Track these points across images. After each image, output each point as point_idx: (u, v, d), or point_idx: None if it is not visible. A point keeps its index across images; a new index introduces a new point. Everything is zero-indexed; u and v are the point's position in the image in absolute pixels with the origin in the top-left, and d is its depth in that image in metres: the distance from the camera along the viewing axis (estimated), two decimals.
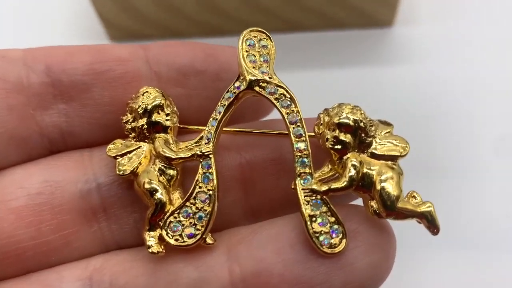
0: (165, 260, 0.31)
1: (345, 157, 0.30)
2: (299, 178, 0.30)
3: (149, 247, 0.30)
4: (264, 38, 0.33)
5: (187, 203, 0.31)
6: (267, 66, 0.32)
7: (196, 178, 0.31)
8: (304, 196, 0.30)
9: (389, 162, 0.30)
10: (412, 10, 0.63)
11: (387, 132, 0.31)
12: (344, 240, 0.29)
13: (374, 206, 0.30)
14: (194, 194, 0.31)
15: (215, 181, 0.31)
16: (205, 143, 0.31)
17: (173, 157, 0.31)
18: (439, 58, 0.60)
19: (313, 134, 0.32)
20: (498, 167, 0.53)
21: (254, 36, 0.33)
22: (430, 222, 0.29)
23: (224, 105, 0.31)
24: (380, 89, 0.58)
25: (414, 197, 0.30)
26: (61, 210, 0.33)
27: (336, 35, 0.62)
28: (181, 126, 0.34)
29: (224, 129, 0.33)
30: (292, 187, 0.30)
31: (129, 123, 0.32)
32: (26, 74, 0.33)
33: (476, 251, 0.49)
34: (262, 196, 0.34)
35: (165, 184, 0.31)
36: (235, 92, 0.31)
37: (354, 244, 0.30)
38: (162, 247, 0.30)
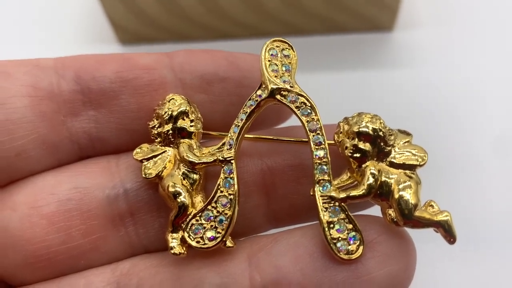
0: (188, 266, 0.32)
1: (364, 165, 0.31)
2: (318, 185, 0.31)
3: (171, 248, 0.31)
4: (287, 48, 0.34)
5: (209, 207, 0.31)
6: (289, 75, 0.33)
7: (218, 183, 0.32)
8: (323, 203, 0.30)
9: (408, 171, 0.31)
10: (412, 14, 0.63)
11: (406, 142, 0.32)
12: (361, 247, 0.29)
13: (392, 215, 0.30)
14: (215, 198, 0.31)
15: (236, 186, 0.31)
16: (227, 149, 0.32)
17: (196, 161, 0.32)
18: (439, 62, 0.60)
19: (332, 142, 0.32)
20: (497, 167, 0.53)
21: (277, 46, 0.33)
22: (447, 231, 0.30)
23: (246, 112, 0.32)
24: (381, 92, 0.58)
25: (432, 206, 0.31)
26: (89, 215, 0.33)
27: (337, 39, 0.62)
28: (205, 132, 0.35)
29: (246, 135, 0.33)
30: (311, 193, 0.31)
31: (155, 129, 0.33)
32: (57, 81, 0.34)
33: (475, 250, 0.49)
34: (283, 201, 0.34)
35: (188, 187, 0.32)
36: (257, 100, 0.32)
37: (372, 254, 0.30)
38: (184, 248, 0.31)
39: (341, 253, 0.29)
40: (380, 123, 0.31)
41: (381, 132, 0.31)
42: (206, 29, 0.62)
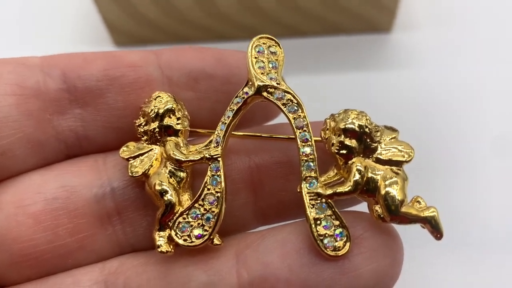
0: (175, 264, 0.32)
1: (350, 162, 0.31)
2: (304, 182, 0.31)
3: (158, 246, 0.31)
4: (273, 45, 0.34)
5: (196, 205, 0.31)
6: (275, 72, 0.33)
7: (205, 181, 0.32)
8: (310, 200, 0.30)
9: (394, 168, 0.31)
10: (411, 15, 0.64)
11: (392, 138, 0.32)
12: (348, 244, 0.30)
13: (379, 211, 0.30)
14: (202, 196, 0.31)
15: (223, 184, 0.31)
16: (214, 147, 0.32)
17: (183, 159, 0.32)
18: (437, 63, 0.61)
19: (319, 138, 0.32)
20: (495, 168, 0.53)
21: (263, 43, 0.33)
22: (434, 227, 0.30)
23: (233, 109, 0.32)
24: (379, 93, 0.58)
25: (419, 202, 0.31)
26: (76, 214, 0.33)
27: (335, 40, 0.62)
28: (192, 129, 0.35)
29: (233, 133, 0.34)
30: (298, 190, 0.31)
31: (142, 127, 0.33)
32: (43, 80, 0.34)
33: (474, 250, 0.49)
34: (271, 198, 0.34)
35: (175, 185, 0.32)
36: (243, 97, 0.32)
37: (359, 250, 0.30)
38: (171, 247, 0.31)
39: (328, 249, 0.29)
40: (366, 119, 0.31)
41: (367, 129, 0.31)
42: (203, 31, 0.62)
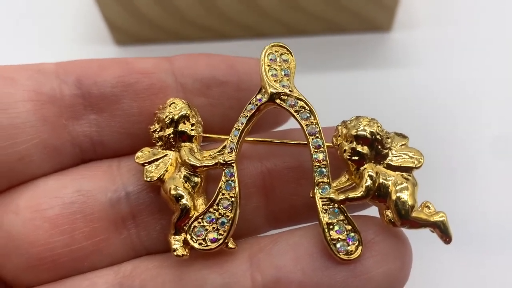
0: (190, 267, 0.33)
1: (362, 168, 0.31)
2: (317, 187, 0.31)
3: (174, 250, 0.32)
4: (285, 53, 0.34)
5: (211, 209, 0.32)
6: (288, 80, 0.33)
7: (219, 186, 0.32)
8: (322, 205, 0.31)
9: (404, 173, 0.32)
10: (410, 15, 0.64)
11: (403, 144, 0.33)
12: (360, 248, 0.30)
13: (389, 215, 0.31)
14: (217, 201, 0.32)
15: (237, 189, 0.32)
16: (228, 152, 0.33)
17: (198, 165, 0.33)
18: (437, 62, 0.61)
19: (331, 144, 0.33)
20: (495, 168, 0.53)
21: (276, 51, 0.34)
22: (443, 232, 0.31)
23: (247, 116, 0.33)
24: (378, 92, 0.59)
25: (428, 207, 0.32)
26: (92, 218, 0.34)
27: (335, 39, 0.63)
28: (206, 135, 0.35)
29: (246, 138, 0.34)
30: (311, 195, 0.32)
31: (157, 132, 0.34)
32: (59, 86, 0.35)
33: (474, 250, 0.49)
34: (283, 202, 0.35)
35: (190, 190, 0.33)
36: (257, 104, 0.33)
37: (370, 253, 0.31)
38: (187, 250, 0.32)
39: (340, 253, 0.30)
40: (378, 126, 0.32)
41: (379, 136, 0.31)
42: (204, 30, 0.62)
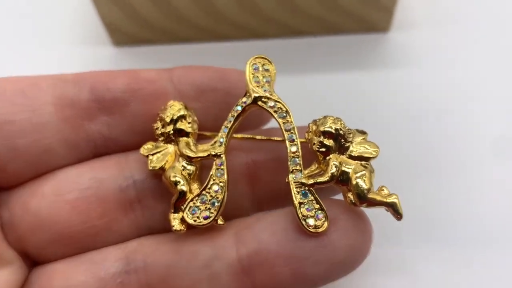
0: (186, 242, 0.37)
1: (328, 158, 0.37)
2: (291, 174, 0.37)
3: (173, 225, 0.37)
4: (267, 63, 0.41)
5: (204, 192, 0.37)
6: (269, 86, 0.40)
7: (211, 173, 0.38)
8: (295, 188, 0.37)
9: (363, 162, 0.37)
10: (408, 15, 0.63)
11: (362, 139, 0.39)
12: (326, 222, 0.35)
13: (351, 197, 0.36)
14: (209, 185, 0.37)
15: (225, 175, 0.37)
16: (218, 146, 0.38)
17: (193, 156, 0.38)
18: (435, 63, 0.60)
19: (304, 140, 0.39)
20: (496, 167, 0.53)
21: (259, 62, 0.40)
22: (395, 210, 0.36)
23: (234, 115, 0.39)
24: (376, 93, 0.58)
25: (383, 190, 0.37)
26: (104, 201, 0.39)
27: (332, 40, 0.62)
28: (200, 132, 0.41)
29: (234, 135, 0.40)
30: (286, 180, 0.37)
31: (159, 129, 0.39)
32: (77, 92, 0.40)
33: (474, 250, 0.49)
34: (265, 188, 0.40)
35: (187, 177, 0.38)
36: (242, 106, 0.39)
37: (335, 228, 0.35)
38: (183, 226, 0.37)
39: (310, 227, 0.35)
40: (341, 124, 0.38)
41: (341, 131, 0.37)
42: (202, 31, 0.62)
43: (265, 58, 0.40)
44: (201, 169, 0.39)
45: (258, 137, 0.40)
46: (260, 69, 0.40)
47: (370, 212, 0.37)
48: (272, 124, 0.42)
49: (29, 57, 0.62)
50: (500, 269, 0.48)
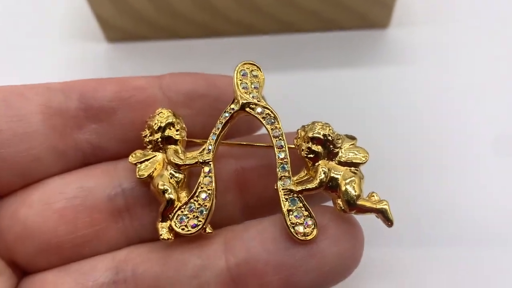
0: (174, 251, 0.37)
1: (316, 164, 0.37)
2: (280, 180, 0.37)
3: (161, 234, 0.37)
4: (255, 69, 0.40)
5: (191, 200, 0.37)
6: (257, 92, 0.39)
7: (199, 181, 0.37)
8: (284, 195, 0.36)
9: (352, 168, 0.37)
10: (408, 12, 0.63)
11: (351, 144, 0.38)
12: (315, 230, 0.35)
13: (340, 204, 0.36)
14: (197, 193, 0.37)
15: (213, 183, 0.37)
16: (206, 153, 0.38)
17: (181, 163, 0.38)
18: (434, 60, 0.59)
19: (293, 146, 0.39)
20: (496, 166, 0.53)
21: (247, 68, 0.40)
22: (385, 217, 0.36)
23: (222, 122, 0.39)
24: (375, 90, 0.58)
25: (373, 196, 0.37)
26: (92, 210, 0.38)
27: (331, 36, 0.61)
28: (189, 139, 0.40)
29: (224, 142, 0.40)
30: (275, 187, 0.37)
31: (147, 137, 0.39)
32: (65, 101, 0.40)
33: (473, 249, 0.49)
34: (254, 195, 0.40)
35: (175, 185, 0.38)
36: (230, 112, 0.39)
37: (325, 236, 0.35)
38: (171, 235, 0.37)
39: (298, 235, 0.35)
40: (329, 129, 0.37)
41: (330, 137, 0.37)
42: (197, 26, 0.61)
43: (254, 64, 0.40)
44: (190, 177, 0.39)
45: (247, 143, 0.40)
46: (249, 75, 0.40)
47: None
48: (263, 130, 0.42)
49: (20, 54, 0.62)
50: (500, 269, 0.48)
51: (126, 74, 0.43)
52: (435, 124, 0.56)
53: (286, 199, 0.36)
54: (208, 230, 0.37)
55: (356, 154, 0.37)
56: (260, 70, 0.40)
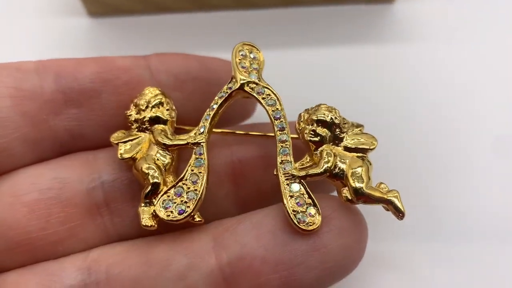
0: (156, 249, 0.34)
1: (320, 149, 0.34)
2: (281, 164, 0.34)
3: (142, 219, 0.33)
4: (255, 51, 0.38)
5: (180, 183, 0.33)
6: (256, 73, 0.37)
7: (189, 163, 0.34)
8: (285, 179, 0.33)
9: (360, 154, 0.34)
10: None
11: (359, 129, 0.35)
12: (318, 219, 0.32)
13: (346, 194, 0.33)
14: (186, 176, 0.34)
15: (206, 166, 0.34)
16: (199, 134, 0.35)
17: (169, 143, 0.35)
18: (442, 37, 0.56)
19: (295, 136, 0.36)
20: (496, 162, 0.50)
21: (246, 49, 0.38)
22: (396, 208, 0.33)
23: (218, 102, 0.36)
24: (379, 68, 0.55)
25: (382, 186, 0.34)
26: (68, 204, 0.35)
27: (335, 11, 0.58)
28: (178, 126, 0.37)
29: (218, 130, 0.37)
30: (275, 173, 0.34)
31: (132, 116, 0.36)
32: (39, 83, 0.37)
33: (473, 249, 0.47)
34: (251, 188, 0.37)
35: (161, 168, 0.34)
36: (227, 91, 0.36)
37: (328, 228, 0.32)
38: (155, 221, 0.33)
39: (301, 224, 0.32)
40: (336, 112, 0.35)
41: (337, 120, 0.34)
42: None
43: (253, 46, 0.38)
44: (179, 161, 0.36)
45: (243, 132, 0.38)
46: (248, 56, 0.37)
47: (366, 207, 0.34)
48: (257, 118, 0.39)
49: None
50: (502, 267, 0.46)
51: (110, 53, 0.40)
52: (443, 102, 0.53)
53: (288, 184, 0.33)
54: (197, 218, 0.34)
55: (364, 140, 0.34)
56: (260, 52, 0.38)
